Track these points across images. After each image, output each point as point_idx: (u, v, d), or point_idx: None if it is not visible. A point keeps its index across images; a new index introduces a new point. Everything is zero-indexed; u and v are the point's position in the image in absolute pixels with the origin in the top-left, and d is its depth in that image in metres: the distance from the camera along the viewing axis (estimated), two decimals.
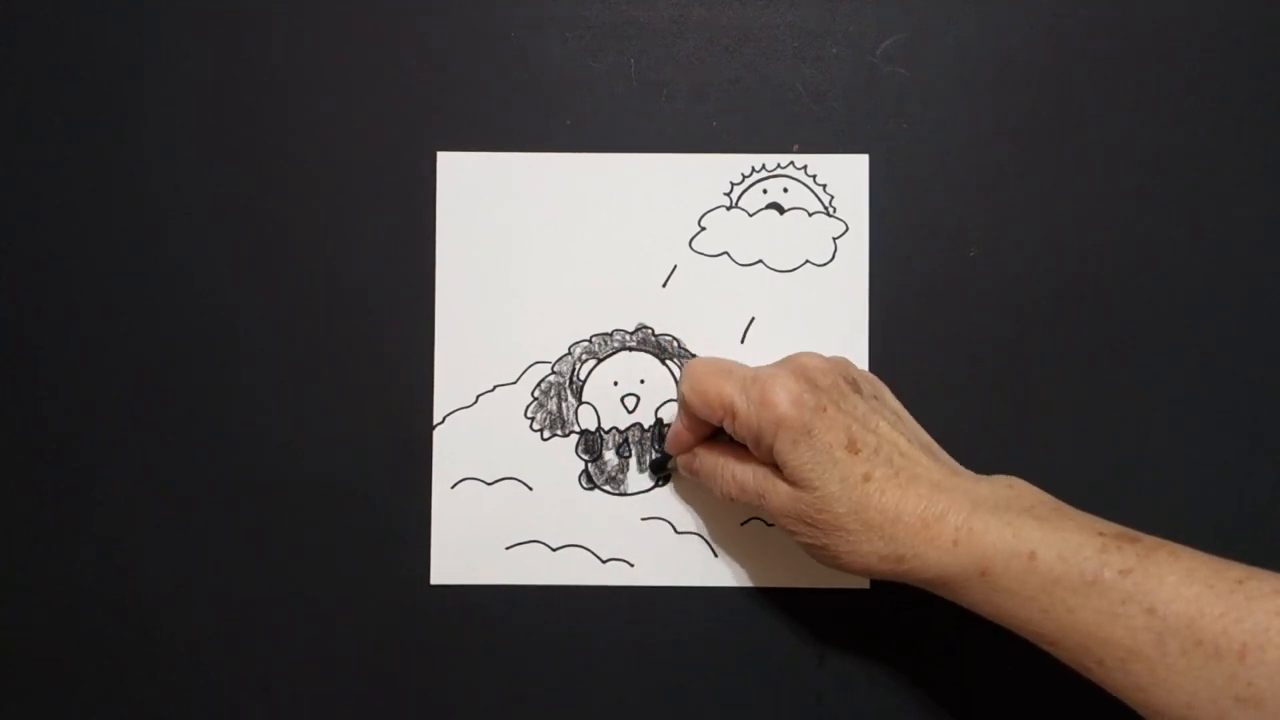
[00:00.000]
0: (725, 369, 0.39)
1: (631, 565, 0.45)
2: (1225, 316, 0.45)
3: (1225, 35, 0.45)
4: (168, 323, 0.45)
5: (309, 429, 0.45)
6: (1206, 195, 0.45)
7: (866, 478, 0.36)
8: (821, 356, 0.39)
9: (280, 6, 0.46)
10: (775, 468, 0.38)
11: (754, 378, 0.38)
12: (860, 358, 0.45)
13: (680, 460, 0.43)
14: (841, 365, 0.40)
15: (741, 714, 0.45)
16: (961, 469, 0.38)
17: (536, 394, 0.45)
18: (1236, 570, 0.32)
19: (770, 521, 0.44)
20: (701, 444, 0.42)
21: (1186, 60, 0.45)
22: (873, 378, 0.41)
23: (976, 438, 0.45)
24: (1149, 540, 0.34)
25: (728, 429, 0.39)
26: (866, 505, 0.36)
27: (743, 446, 0.39)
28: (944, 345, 0.45)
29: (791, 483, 0.37)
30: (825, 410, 0.37)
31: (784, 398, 0.36)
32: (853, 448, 0.36)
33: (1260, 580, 0.32)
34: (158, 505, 0.45)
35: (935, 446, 0.39)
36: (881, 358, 0.45)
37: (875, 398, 0.39)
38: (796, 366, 0.38)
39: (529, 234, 0.46)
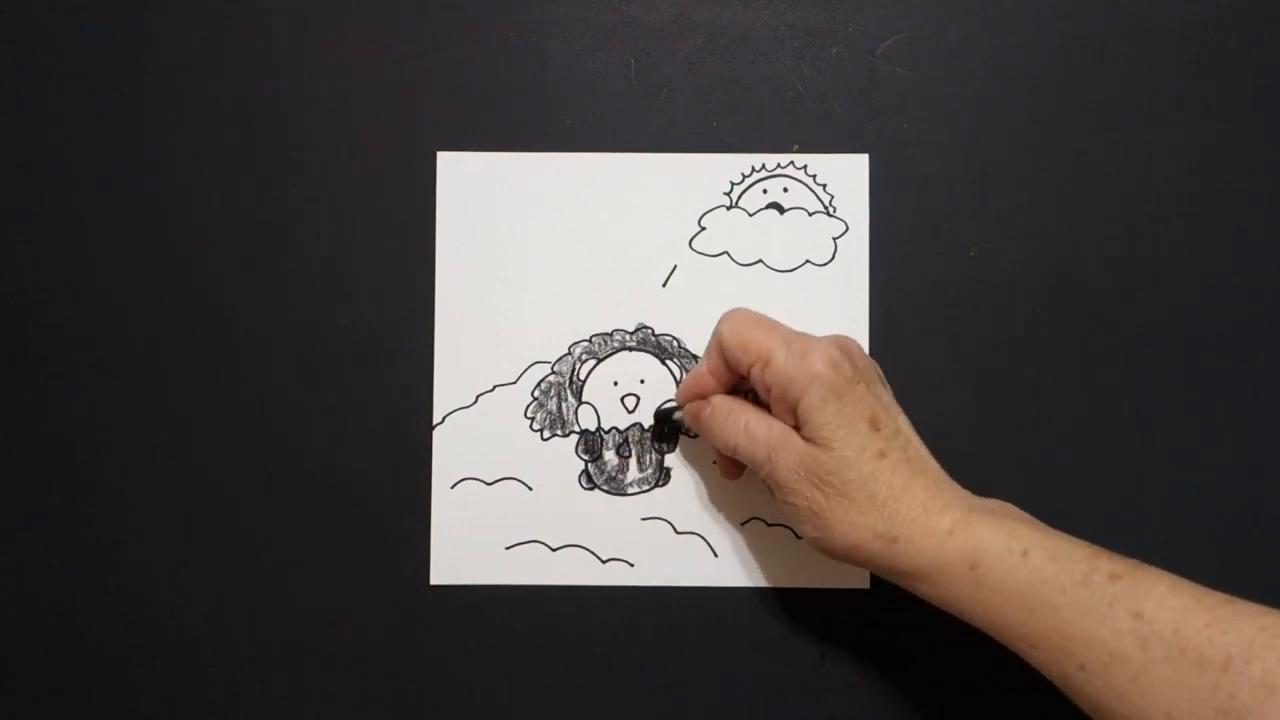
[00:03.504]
0: (769, 322, 0.40)
1: (631, 565, 0.45)
2: (1225, 316, 0.45)
3: (1225, 35, 0.45)
4: (167, 322, 0.45)
5: (308, 429, 0.45)
6: (1206, 195, 0.45)
7: (882, 454, 0.37)
8: (862, 347, 0.40)
9: (280, 6, 0.46)
10: (792, 428, 0.38)
11: (798, 335, 0.39)
12: None
13: (689, 409, 0.42)
14: (875, 363, 0.41)
15: (742, 714, 0.45)
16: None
17: (536, 394, 0.45)
18: (1222, 594, 0.33)
19: (769, 485, 0.40)
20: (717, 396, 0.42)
21: (1186, 60, 0.45)
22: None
23: (976, 437, 0.45)
24: (1137, 561, 0.34)
25: (754, 378, 0.39)
26: (877, 478, 0.36)
27: (759, 405, 0.40)
28: (944, 345, 0.45)
29: (809, 439, 0.37)
30: (858, 384, 0.37)
31: (824, 357, 0.37)
32: (875, 425, 0.37)
33: (1246, 603, 0.32)
34: (157, 505, 0.45)
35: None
36: (881, 358, 0.45)
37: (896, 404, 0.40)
38: (840, 340, 0.39)
39: (529, 234, 0.46)
